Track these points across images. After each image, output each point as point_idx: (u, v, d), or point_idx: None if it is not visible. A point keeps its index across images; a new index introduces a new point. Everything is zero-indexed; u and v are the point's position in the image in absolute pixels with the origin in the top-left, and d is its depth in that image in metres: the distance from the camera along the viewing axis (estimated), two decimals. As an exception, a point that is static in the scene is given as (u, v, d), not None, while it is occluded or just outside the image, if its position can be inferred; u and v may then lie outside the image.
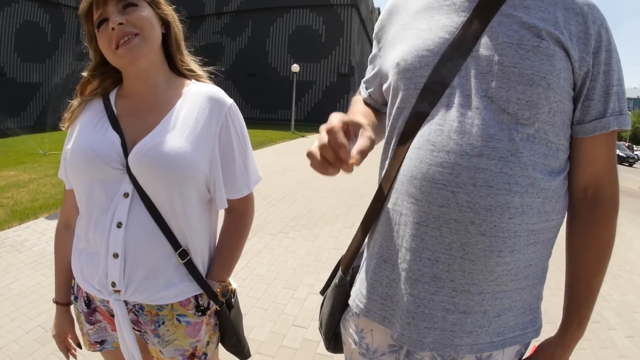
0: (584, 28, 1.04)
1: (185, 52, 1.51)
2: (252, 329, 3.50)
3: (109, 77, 1.45)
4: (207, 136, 1.38)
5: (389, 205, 1.17)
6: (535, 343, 1.25)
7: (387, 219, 1.17)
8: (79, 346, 1.63)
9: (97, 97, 1.45)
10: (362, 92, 1.46)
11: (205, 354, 1.54)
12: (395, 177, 1.15)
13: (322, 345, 3.33)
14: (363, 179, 9.36)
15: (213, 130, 1.39)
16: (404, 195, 1.12)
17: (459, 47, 1.07)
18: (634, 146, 51.14)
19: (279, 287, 4.38)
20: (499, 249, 1.04)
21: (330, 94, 42.86)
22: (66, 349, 1.63)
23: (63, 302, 1.58)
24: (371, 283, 1.23)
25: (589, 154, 1.11)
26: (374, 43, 1.37)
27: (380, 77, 1.32)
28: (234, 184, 1.48)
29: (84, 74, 1.44)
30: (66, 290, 1.57)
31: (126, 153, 1.32)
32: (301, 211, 7.44)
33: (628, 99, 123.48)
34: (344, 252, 1.39)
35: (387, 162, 1.22)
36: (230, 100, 1.46)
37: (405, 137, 1.14)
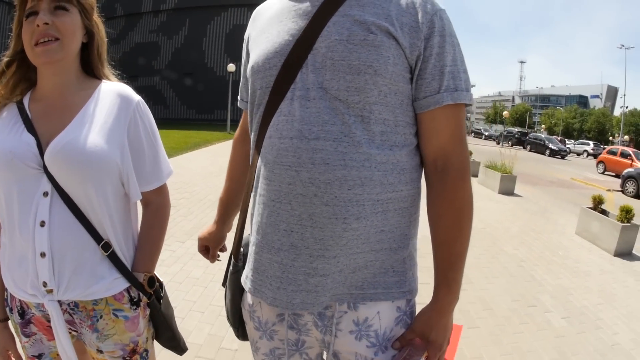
0: (416, 18, 1.17)
1: (106, 64, 1.56)
2: (190, 333, 3.46)
3: (23, 80, 1.45)
4: (116, 131, 1.42)
5: (254, 189, 1.31)
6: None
7: (253, 201, 1.32)
8: None
9: (10, 102, 1.45)
10: (239, 103, 1.64)
11: (146, 350, 1.57)
12: (256, 164, 1.30)
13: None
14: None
15: (122, 125, 1.44)
16: (262, 178, 1.26)
17: (301, 47, 1.20)
18: (566, 140, 53.48)
19: (216, 289, 4.35)
20: (343, 216, 1.16)
21: (267, 94, 42.68)
22: None
23: (0, 318, 1.55)
24: (248, 260, 1.36)
25: (430, 127, 1.23)
26: (243, 53, 1.50)
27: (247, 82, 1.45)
28: (146, 176, 1.53)
29: (5, 58, 1.44)
30: (1, 305, 1.54)
31: (42, 153, 1.34)
32: (238, 212, 7.35)
33: (560, 95, 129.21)
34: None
35: (252, 154, 1.37)
36: (138, 97, 1.51)
37: (262, 129, 1.28)
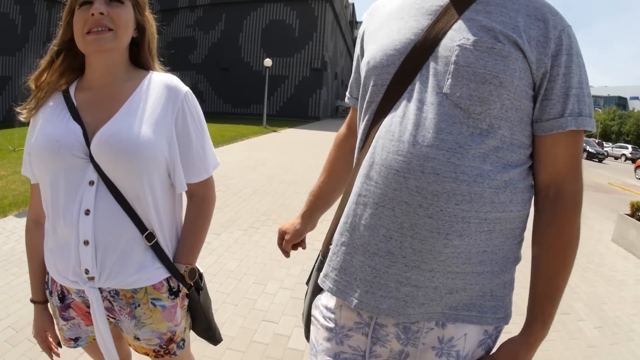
0: (544, 32, 1.11)
1: (156, 59, 1.57)
2: (223, 325, 3.48)
3: (70, 69, 1.47)
4: (164, 122, 1.42)
5: (355, 188, 1.24)
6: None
7: (352, 200, 1.25)
8: (59, 345, 1.63)
9: (56, 91, 1.47)
10: (347, 100, 1.58)
11: (183, 339, 1.59)
12: (362, 163, 1.24)
13: (292, 339, 3.36)
14: (335, 175, 9.38)
15: (170, 116, 1.44)
16: (366, 179, 1.20)
17: (422, 48, 1.16)
18: (604, 143, 52.22)
19: (250, 282, 4.37)
20: (446, 231, 1.11)
21: (302, 89, 42.92)
22: (48, 348, 1.62)
23: (40, 300, 1.59)
24: (330, 257, 1.31)
25: (549, 152, 1.16)
26: (357, 48, 1.46)
27: (359, 77, 1.40)
28: (193, 168, 1.52)
29: (54, 47, 1.46)
30: (42, 288, 1.58)
31: (88, 142, 1.36)
32: (272, 206, 7.43)
33: (598, 97, 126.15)
34: (314, 247, 1.42)
35: (357, 151, 1.33)
36: (186, 88, 1.51)
37: (372, 128, 1.24)
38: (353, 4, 66.97)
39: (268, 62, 28.23)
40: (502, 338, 1.27)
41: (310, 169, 11.29)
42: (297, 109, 42.14)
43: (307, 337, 1.52)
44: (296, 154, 14.73)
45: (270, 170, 10.98)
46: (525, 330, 1.21)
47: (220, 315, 3.63)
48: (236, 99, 43.34)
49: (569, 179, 1.17)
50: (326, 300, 1.36)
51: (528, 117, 1.15)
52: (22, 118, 1.47)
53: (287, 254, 1.80)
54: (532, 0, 1.14)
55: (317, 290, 1.42)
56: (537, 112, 1.15)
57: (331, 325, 1.33)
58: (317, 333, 1.38)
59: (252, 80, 41.60)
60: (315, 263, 1.49)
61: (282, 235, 1.77)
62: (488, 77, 1.09)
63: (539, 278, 1.20)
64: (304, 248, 1.82)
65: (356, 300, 1.22)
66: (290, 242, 1.75)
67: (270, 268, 4.72)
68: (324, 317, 1.36)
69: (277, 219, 6.66)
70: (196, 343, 1.78)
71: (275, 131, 24.19)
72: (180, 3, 46.18)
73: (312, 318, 1.43)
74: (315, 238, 1.77)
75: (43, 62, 1.46)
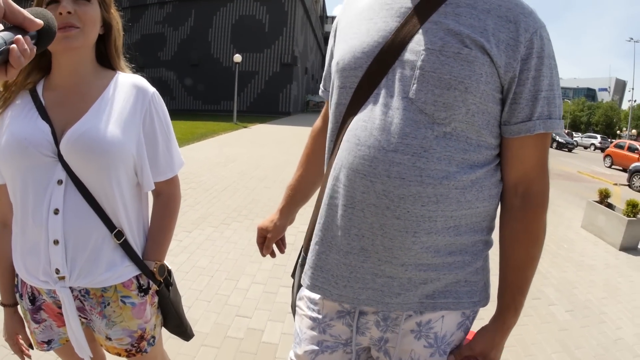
0: (515, 36, 1.10)
1: (121, 56, 1.57)
2: (197, 322, 3.49)
3: (37, 68, 1.46)
4: (132, 122, 1.44)
5: (327, 190, 1.26)
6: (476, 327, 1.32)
7: (324, 202, 1.27)
8: (31, 346, 1.62)
9: (23, 90, 1.46)
10: (321, 93, 1.59)
11: (153, 337, 1.60)
12: (332, 166, 1.26)
13: (266, 333, 3.40)
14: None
15: (138, 116, 1.46)
16: (335, 181, 1.22)
17: (389, 51, 1.16)
18: (573, 133, 53.13)
19: (222, 278, 4.38)
20: (413, 230, 1.14)
21: (273, 84, 42.75)
22: (20, 351, 1.62)
23: (10, 303, 1.58)
24: (308, 256, 1.33)
25: (517, 154, 1.19)
26: (331, 38, 1.45)
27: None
28: (159, 167, 1.54)
29: None
30: (11, 291, 1.57)
31: (56, 141, 1.36)
32: (243, 202, 7.43)
33: (567, 88, 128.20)
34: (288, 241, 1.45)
35: (328, 153, 1.35)
36: (153, 89, 1.52)
37: (340, 130, 1.26)
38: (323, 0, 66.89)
39: (238, 57, 28.04)
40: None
41: (281, 164, 11.30)
42: (268, 105, 41.96)
43: None
44: (267, 149, 14.69)
45: (241, 166, 10.95)
46: (498, 317, 1.27)
47: (194, 312, 3.64)
48: (206, 96, 42.92)
49: (536, 178, 1.20)
50: (309, 292, 1.39)
51: (495, 119, 1.16)
52: None
53: (272, 253, 1.79)
54: (504, 0, 1.13)
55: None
56: (506, 115, 1.16)
57: (314, 315, 1.37)
58: (302, 322, 1.42)
59: (222, 76, 41.23)
60: (298, 259, 1.51)
61: (262, 234, 1.76)
62: (453, 83, 1.09)
63: (508, 270, 1.26)
64: (282, 252, 1.82)
65: (336, 295, 1.26)
66: (273, 239, 1.74)
67: (242, 263, 4.74)
68: (308, 308, 1.39)
69: (248, 214, 6.67)
70: (171, 341, 1.80)
71: (245, 127, 24.05)
72: (149, -1, 45.57)
73: (297, 308, 1.46)
74: (288, 232, 1.78)
75: None
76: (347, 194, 1.19)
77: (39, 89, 1.45)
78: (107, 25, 1.47)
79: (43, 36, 0.79)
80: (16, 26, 0.73)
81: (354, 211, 1.18)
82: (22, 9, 0.73)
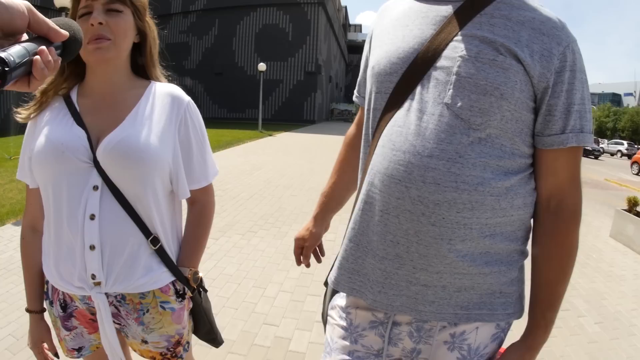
0: (548, 47, 1.11)
1: (157, 65, 1.58)
2: (224, 329, 3.47)
3: (73, 75, 1.48)
4: (168, 130, 1.45)
5: (362, 195, 1.27)
6: (507, 342, 1.30)
7: (359, 207, 1.28)
8: (57, 355, 1.61)
9: (57, 95, 1.48)
10: (355, 98, 1.60)
11: (188, 342, 1.61)
12: (367, 171, 1.26)
13: (293, 342, 3.37)
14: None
15: (173, 125, 1.46)
16: (371, 187, 1.22)
17: (425, 58, 1.17)
18: (600, 139, 52.18)
19: (249, 286, 4.37)
20: (449, 237, 1.14)
21: (297, 92, 42.93)
22: (44, 359, 1.60)
23: (37, 309, 1.57)
24: (340, 260, 1.34)
25: (550, 166, 1.19)
26: (366, 44, 1.47)
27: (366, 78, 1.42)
28: (193, 175, 1.54)
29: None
30: (39, 297, 1.56)
31: (92, 147, 1.37)
32: (269, 210, 7.44)
33: (592, 94, 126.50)
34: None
35: (363, 158, 1.36)
36: (188, 98, 1.53)
37: (375, 135, 1.26)
38: (346, 7, 67.00)
39: (262, 66, 28.23)
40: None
41: (307, 173, 11.31)
42: (292, 113, 42.16)
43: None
44: (292, 157, 14.74)
45: (267, 174, 10.99)
46: (528, 334, 1.25)
47: (221, 319, 3.64)
48: (231, 104, 43.32)
49: (569, 192, 1.19)
50: (342, 301, 1.39)
51: (528, 128, 1.17)
52: (19, 118, 1.47)
53: (307, 263, 1.79)
54: (538, 13, 1.15)
55: (335, 291, 1.45)
56: (539, 126, 1.16)
57: (346, 324, 1.37)
58: (333, 332, 1.41)
59: (246, 84, 41.58)
60: (332, 267, 1.51)
61: (300, 244, 1.76)
62: (489, 89, 1.10)
63: (539, 285, 1.24)
64: (319, 261, 1.82)
65: (370, 299, 1.25)
66: (310, 248, 1.75)
67: (269, 271, 4.73)
68: (340, 317, 1.39)
69: (274, 222, 6.68)
70: (197, 347, 1.80)
71: (270, 135, 24.18)
72: (173, 9, 46.16)
73: (328, 317, 1.46)
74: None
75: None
76: (382, 199, 1.19)
77: (73, 96, 1.46)
78: (142, 34, 1.49)
79: (69, 47, 0.78)
80: (41, 37, 0.72)
81: (389, 217, 1.18)
82: (47, 19, 0.72)
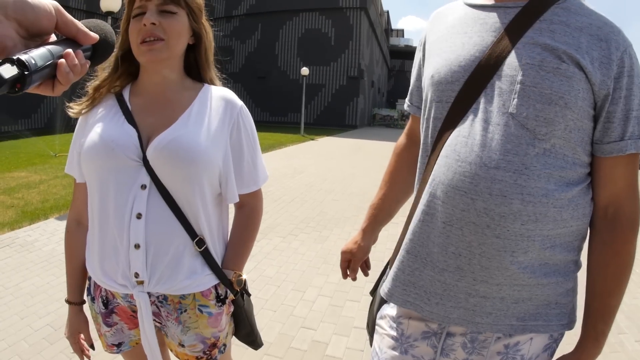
0: (607, 53, 1.10)
1: (212, 67, 1.59)
2: (261, 330, 3.44)
3: (126, 73, 1.50)
4: (220, 133, 1.45)
5: (421, 206, 1.25)
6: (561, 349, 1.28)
7: (419, 218, 1.26)
8: (92, 347, 1.64)
9: (110, 93, 1.50)
10: (407, 107, 1.58)
11: (224, 345, 1.60)
12: (427, 181, 1.24)
13: (330, 347, 3.35)
14: (372, 182, 9.34)
15: (226, 128, 1.47)
16: (433, 197, 1.21)
17: (487, 66, 1.16)
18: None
19: (288, 288, 4.38)
20: (512, 249, 1.12)
21: (339, 97, 42.89)
22: (80, 351, 1.63)
23: (76, 301, 1.60)
24: (395, 272, 1.32)
25: (608, 174, 1.17)
26: (418, 52, 1.45)
27: (421, 86, 1.40)
28: (243, 179, 1.54)
29: (117, 54, 1.48)
30: (79, 289, 1.59)
31: (142, 146, 1.38)
32: (310, 213, 7.45)
33: None
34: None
35: (422, 168, 1.34)
36: (241, 102, 1.55)
37: (436, 145, 1.25)
38: (388, 12, 66.70)
39: (305, 70, 28.31)
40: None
41: (348, 178, 11.28)
42: (335, 117, 42.15)
43: (372, 344, 1.53)
44: (334, 162, 14.73)
45: (309, 178, 11.02)
46: (578, 347, 1.23)
47: (259, 321, 3.61)
48: (274, 108, 43.61)
49: (627, 200, 1.17)
50: (392, 310, 1.38)
51: (588, 137, 1.15)
52: (71, 113, 1.50)
53: (354, 277, 1.76)
54: (594, 18, 1.13)
55: (384, 300, 1.42)
56: (598, 133, 1.15)
57: (397, 334, 1.35)
58: (382, 341, 1.40)
59: (289, 88, 41.79)
60: (381, 277, 1.51)
61: (346, 258, 1.73)
62: (554, 98, 1.08)
63: (593, 296, 1.21)
64: (366, 274, 1.81)
65: (427, 311, 1.25)
66: (358, 261, 1.72)
67: (309, 275, 4.73)
68: (391, 327, 1.37)
69: (315, 226, 6.68)
70: (234, 347, 1.80)
71: (313, 139, 24.24)
72: (216, 13, 46.79)
73: (377, 327, 1.44)
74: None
75: (104, 69, 1.49)
76: (445, 210, 1.17)
77: (126, 94, 1.48)
78: (197, 36, 1.49)
79: (99, 50, 0.75)
80: (69, 39, 0.69)
81: (452, 229, 1.17)
82: (76, 21, 0.70)
